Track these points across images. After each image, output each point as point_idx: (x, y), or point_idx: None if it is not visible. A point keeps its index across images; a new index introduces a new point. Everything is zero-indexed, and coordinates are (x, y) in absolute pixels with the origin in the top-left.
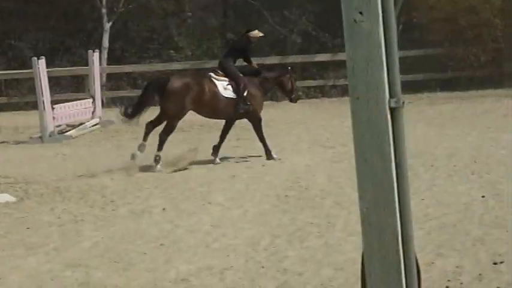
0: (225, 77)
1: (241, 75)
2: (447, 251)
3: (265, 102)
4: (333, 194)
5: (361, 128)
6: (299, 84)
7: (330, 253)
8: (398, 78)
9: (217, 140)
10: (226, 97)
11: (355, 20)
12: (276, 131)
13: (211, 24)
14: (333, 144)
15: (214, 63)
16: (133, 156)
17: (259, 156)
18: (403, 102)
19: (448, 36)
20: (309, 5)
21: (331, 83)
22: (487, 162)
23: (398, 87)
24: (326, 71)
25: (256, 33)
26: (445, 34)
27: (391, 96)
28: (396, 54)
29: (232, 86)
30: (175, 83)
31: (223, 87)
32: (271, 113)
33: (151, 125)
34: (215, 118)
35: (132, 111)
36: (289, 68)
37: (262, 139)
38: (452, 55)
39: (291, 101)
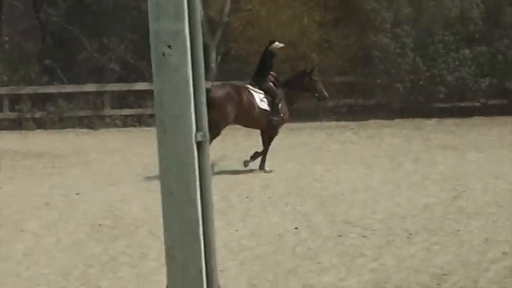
0: (261, 90)
1: (276, 90)
2: (260, 282)
3: (81, 130)
4: (147, 223)
5: (167, 160)
6: (117, 112)
7: (142, 283)
8: (205, 112)
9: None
10: (262, 108)
11: (163, 54)
12: (92, 159)
13: (29, 50)
14: (149, 174)
15: (31, 89)
16: None
17: (76, 185)
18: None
19: None
20: (128, 34)
21: (149, 112)
22: (301, 194)
23: (205, 121)
24: (144, 100)
25: (276, 45)
26: None
27: (197, 130)
28: (203, 88)
29: (267, 99)
30: (217, 92)
31: (260, 99)
32: (88, 140)
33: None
34: (249, 127)
35: None
36: (308, 70)
37: (266, 150)
38: None
39: (319, 100)
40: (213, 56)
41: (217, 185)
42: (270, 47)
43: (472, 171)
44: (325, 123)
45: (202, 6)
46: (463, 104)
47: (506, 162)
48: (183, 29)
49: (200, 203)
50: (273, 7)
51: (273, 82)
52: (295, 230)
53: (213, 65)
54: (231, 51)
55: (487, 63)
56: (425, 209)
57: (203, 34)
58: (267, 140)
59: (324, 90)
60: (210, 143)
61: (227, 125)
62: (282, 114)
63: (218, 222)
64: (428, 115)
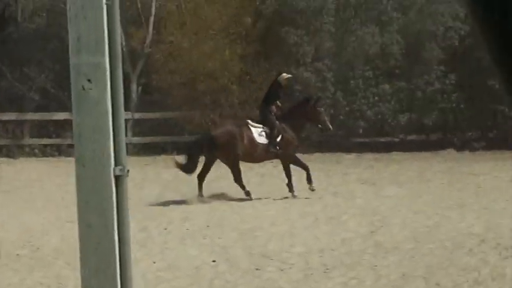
0: (260, 123)
1: (276, 122)
2: None
3: (1, 159)
4: (65, 254)
5: (86, 194)
6: (37, 141)
7: None
8: (123, 146)
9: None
10: (260, 143)
11: (83, 87)
12: (11, 188)
13: None
14: (68, 204)
15: None
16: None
17: None
18: (128, 170)
19: (186, 100)
20: (49, 63)
21: (68, 141)
22: (220, 227)
23: (123, 155)
24: (64, 130)
25: (283, 76)
26: (184, 98)
27: (116, 164)
28: (123, 122)
29: (266, 132)
30: (222, 135)
31: (258, 133)
32: (7, 169)
33: (202, 176)
34: (250, 162)
35: (191, 166)
36: (312, 99)
37: (305, 168)
38: (189, 119)
39: (321, 132)
40: (134, 86)
41: (136, 216)
42: (278, 78)
43: (390, 206)
44: None
45: (124, 37)
46: (382, 139)
47: (424, 197)
48: (103, 62)
49: (117, 236)
50: (195, 39)
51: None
52: (213, 262)
53: (133, 95)
54: (152, 82)
55: (406, 98)
56: (343, 243)
57: (124, 65)
58: (284, 169)
59: (327, 122)
60: (204, 180)
61: (239, 160)
62: (278, 148)
63: (136, 254)
64: (347, 149)
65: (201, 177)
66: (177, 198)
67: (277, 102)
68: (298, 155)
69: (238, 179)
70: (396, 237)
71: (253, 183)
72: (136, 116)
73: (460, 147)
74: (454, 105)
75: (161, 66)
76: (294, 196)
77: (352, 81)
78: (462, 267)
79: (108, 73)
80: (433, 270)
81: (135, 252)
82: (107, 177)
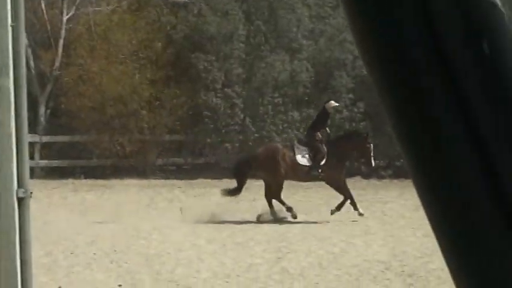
0: (306, 146)
1: (321, 147)
2: None
3: None
4: None
5: None
6: None
7: None
8: (27, 169)
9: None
10: (302, 164)
11: None
12: None
13: None
14: None
15: None
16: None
17: None
18: (31, 193)
19: (95, 124)
20: None
21: None
22: (127, 252)
23: (27, 178)
24: None
25: (330, 103)
26: (93, 122)
27: (19, 186)
28: (26, 145)
29: (309, 155)
30: (264, 152)
31: (302, 155)
32: None
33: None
34: (294, 180)
35: (236, 189)
36: (364, 134)
37: (345, 196)
38: (98, 143)
39: (363, 165)
40: (42, 109)
41: (42, 240)
42: (325, 105)
43: (296, 233)
44: (153, 181)
45: (33, 59)
46: None
47: (329, 224)
48: (8, 84)
49: (19, 258)
50: (105, 63)
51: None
52: (119, 287)
53: (42, 118)
54: (61, 105)
55: None
56: (250, 269)
57: (32, 87)
58: (337, 191)
59: (372, 158)
60: (277, 198)
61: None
62: (320, 171)
63: (42, 278)
64: (255, 176)
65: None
66: (84, 222)
67: (325, 128)
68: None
69: (277, 195)
70: (302, 264)
71: (161, 209)
72: (44, 139)
73: (367, 175)
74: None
75: (70, 90)
76: (360, 214)
77: (261, 108)
78: None
79: (12, 96)
80: None
81: (40, 276)
82: (10, 199)
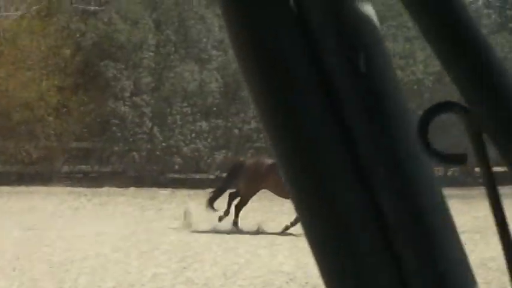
0: None
1: None
2: None
3: None
4: None
5: None
6: None
7: None
8: None
9: None
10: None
11: None
12: None
13: None
14: None
15: None
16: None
17: None
18: None
19: (0, 130)
20: None
21: None
22: (30, 260)
23: None
24: None
25: None
26: None
27: None
28: None
29: None
30: (252, 164)
31: None
32: None
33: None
34: (282, 197)
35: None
36: None
37: None
38: (3, 149)
39: None
40: None
41: None
42: None
43: (201, 243)
44: (59, 189)
45: None
46: (197, 176)
47: (236, 235)
48: None
49: None
50: (12, 69)
51: None
52: None
53: None
54: None
55: (223, 136)
56: (154, 278)
57: None
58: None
59: None
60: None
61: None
62: None
63: None
64: (162, 185)
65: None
66: None
67: None
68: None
69: (240, 208)
70: (207, 274)
71: (67, 216)
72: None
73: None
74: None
75: None
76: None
77: (169, 117)
78: None
79: None
80: None
81: None
82: None
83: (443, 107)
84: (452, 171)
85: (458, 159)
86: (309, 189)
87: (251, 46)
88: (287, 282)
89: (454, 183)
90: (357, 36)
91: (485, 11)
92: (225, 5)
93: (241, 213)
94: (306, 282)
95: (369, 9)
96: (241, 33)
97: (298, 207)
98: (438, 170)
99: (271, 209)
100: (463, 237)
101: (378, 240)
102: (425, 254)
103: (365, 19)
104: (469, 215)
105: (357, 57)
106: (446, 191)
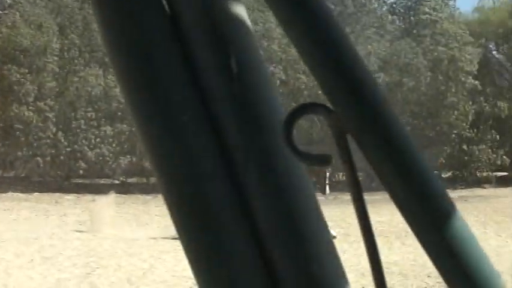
0: None
1: None
2: None
3: None
4: None
5: None
6: None
7: None
8: None
9: None
10: None
11: None
12: None
13: None
14: None
15: None
16: None
17: None
18: None
19: None
20: None
21: None
22: None
23: None
24: None
25: None
26: None
27: None
28: None
29: None
30: None
31: None
32: None
33: None
34: None
35: None
36: None
37: None
38: None
39: None
40: None
41: None
42: None
43: (106, 248)
44: None
45: None
46: (102, 181)
47: (140, 240)
48: None
49: None
50: None
51: None
52: None
53: None
54: None
55: (128, 141)
56: (58, 284)
57: None
58: None
59: None
60: None
61: None
62: None
63: None
64: (67, 190)
65: None
66: None
67: None
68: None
69: None
70: (111, 279)
71: None
72: None
73: None
74: None
75: None
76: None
77: (74, 122)
78: None
79: None
80: None
81: None
82: None
83: (308, 108)
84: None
85: (323, 160)
86: (180, 189)
87: (124, 47)
88: (191, 287)
89: None
90: (228, 36)
91: (390, 17)
92: (98, 4)
93: (145, 218)
94: None
95: (240, 10)
96: (113, 33)
97: (170, 209)
98: (343, 175)
99: None
100: None
101: (250, 242)
102: (297, 256)
103: (237, 19)
104: (372, 220)
105: (229, 57)
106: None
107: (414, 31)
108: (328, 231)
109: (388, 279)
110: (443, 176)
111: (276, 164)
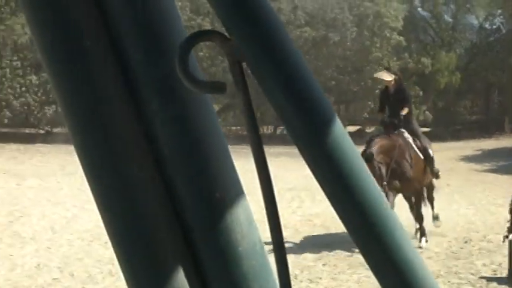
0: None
1: None
2: None
3: None
4: None
5: None
6: None
7: None
8: None
9: None
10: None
11: None
12: None
13: None
14: None
15: None
16: None
17: None
18: None
19: None
20: None
21: None
22: None
23: None
24: None
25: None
26: None
27: None
28: None
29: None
30: None
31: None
32: None
33: None
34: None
35: None
36: None
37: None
38: None
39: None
40: None
41: None
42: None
43: (30, 197)
44: None
45: None
46: (27, 130)
47: (64, 189)
48: None
49: None
50: None
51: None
52: None
53: None
54: None
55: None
56: None
57: None
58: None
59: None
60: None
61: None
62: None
63: None
64: None
65: None
66: None
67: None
68: None
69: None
70: (34, 228)
71: None
72: None
73: None
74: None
75: None
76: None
77: None
78: (97, 258)
79: None
80: (69, 261)
81: None
82: None
83: (204, 35)
84: (281, 129)
85: (217, 87)
86: (104, 170)
87: (49, 28)
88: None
89: (285, 141)
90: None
91: None
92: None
93: (70, 168)
94: None
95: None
96: (38, 16)
97: (94, 192)
98: (268, 128)
99: None
100: (291, 195)
101: (149, 167)
102: (199, 182)
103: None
104: (297, 173)
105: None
106: (277, 149)
107: None
108: (230, 157)
109: (310, 230)
110: (367, 131)
111: (177, 90)
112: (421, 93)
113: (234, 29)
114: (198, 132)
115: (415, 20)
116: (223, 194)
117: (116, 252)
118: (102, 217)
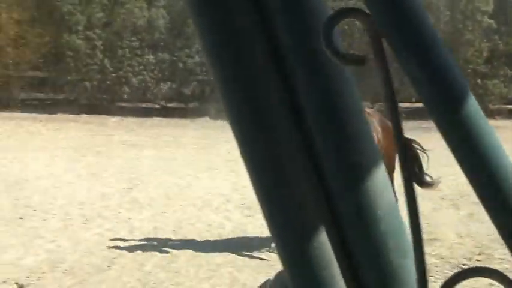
0: None
1: None
2: None
3: None
4: None
5: None
6: None
7: None
8: None
9: None
10: None
11: None
12: None
13: None
14: None
15: None
16: None
17: None
18: None
19: None
20: None
21: None
22: None
23: None
24: None
25: None
26: None
27: None
28: None
29: None
30: None
31: None
32: None
33: None
34: None
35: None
36: None
37: None
38: None
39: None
40: None
41: None
42: None
43: (147, 166)
44: (16, 114)
45: None
46: (144, 105)
47: (178, 160)
48: None
49: None
50: None
51: None
52: None
53: None
54: None
55: (169, 69)
56: (102, 197)
57: None
58: None
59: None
60: None
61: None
62: None
63: None
64: (112, 113)
65: None
66: None
67: None
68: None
69: None
70: (151, 194)
71: (22, 140)
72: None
73: (215, 116)
74: (211, 77)
75: None
76: None
77: (119, 50)
78: (208, 223)
79: None
80: (182, 225)
81: None
82: None
83: (347, 12)
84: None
85: (358, 60)
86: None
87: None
88: (224, 203)
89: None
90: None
91: None
92: None
93: (183, 140)
94: (242, 203)
95: None
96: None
97: (249, 171)
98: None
99: (209, 136)
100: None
101: (295, 137)
102: (338, 150)
103: None
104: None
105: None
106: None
107: None
108: (368, 125)
109: None
110: None
111: (323, 65)
112: (510, 72)
113: (374, 6)
114: (340, 102)
115: (505, 4)
116: (361, 158)
117: (265, 216)
118: (254, 185)
